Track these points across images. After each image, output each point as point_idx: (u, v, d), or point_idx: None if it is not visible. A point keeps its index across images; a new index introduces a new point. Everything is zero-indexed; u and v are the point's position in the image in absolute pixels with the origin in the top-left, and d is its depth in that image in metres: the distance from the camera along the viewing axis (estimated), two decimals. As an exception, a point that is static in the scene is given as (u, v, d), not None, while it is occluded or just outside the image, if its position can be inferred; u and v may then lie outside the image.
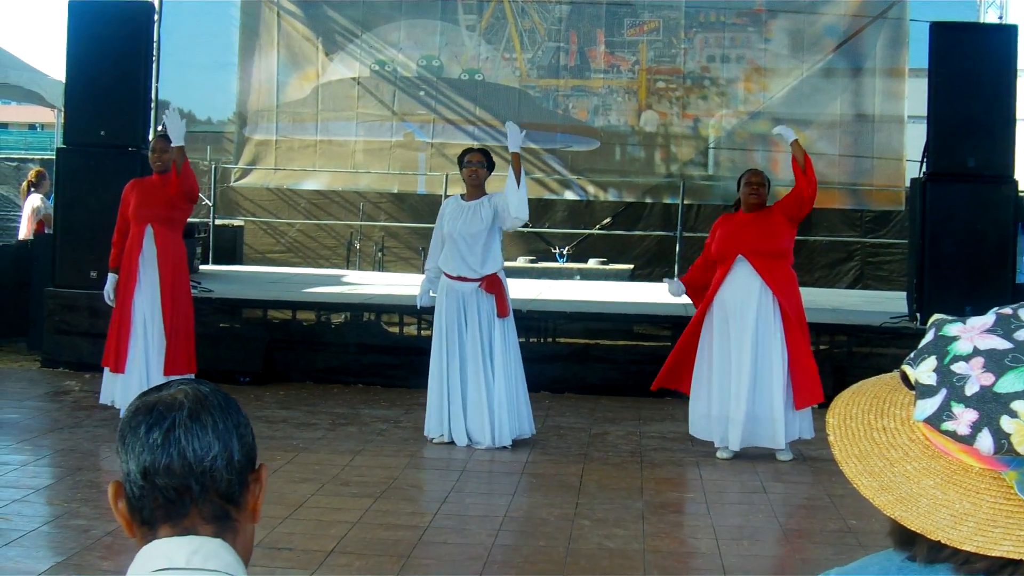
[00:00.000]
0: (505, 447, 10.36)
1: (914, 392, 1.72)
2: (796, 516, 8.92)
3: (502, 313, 10.48)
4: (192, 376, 10.06)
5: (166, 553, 2.11)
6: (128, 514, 2.17)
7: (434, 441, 10.50)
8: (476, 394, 10.38)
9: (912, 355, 1.73)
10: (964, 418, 1.64)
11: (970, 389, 1.64)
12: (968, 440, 1.64)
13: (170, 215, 11.00)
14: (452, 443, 10.44)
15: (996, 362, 1.64)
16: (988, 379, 1.63)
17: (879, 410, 1.78)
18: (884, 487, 1.69)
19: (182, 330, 11.14)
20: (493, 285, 10.45)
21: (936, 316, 1.77)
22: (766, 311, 9.98)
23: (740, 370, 9.97)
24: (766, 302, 9.98)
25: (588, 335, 13.54)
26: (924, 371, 1.69)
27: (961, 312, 1.80)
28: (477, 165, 10.54)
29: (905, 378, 1.74)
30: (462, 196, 10.75)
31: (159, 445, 2.13)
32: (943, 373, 1.67)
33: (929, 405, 1.67)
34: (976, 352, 1.66)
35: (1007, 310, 1.71)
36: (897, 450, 1.72)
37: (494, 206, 10.40)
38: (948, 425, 1.65)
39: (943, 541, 1.64)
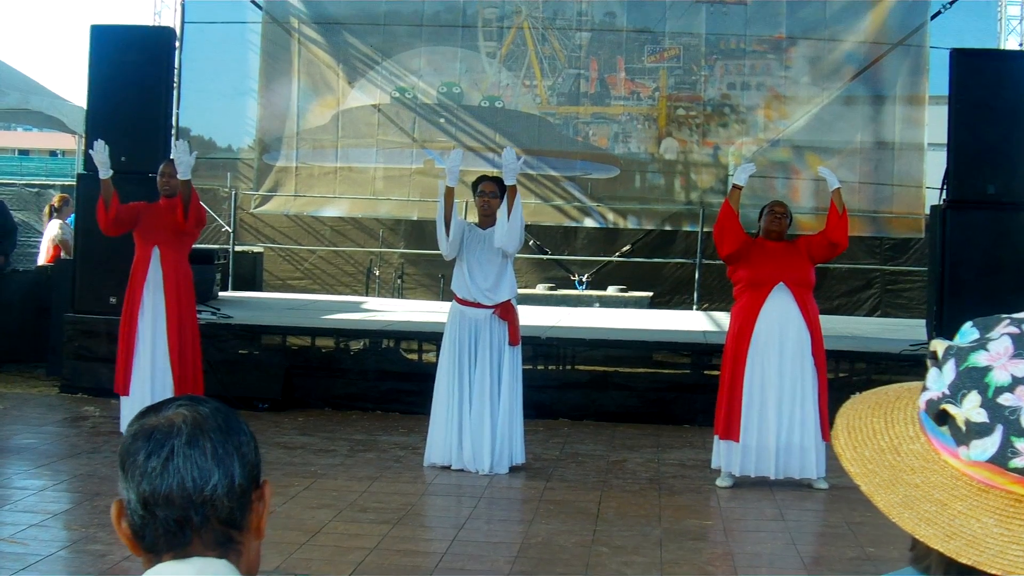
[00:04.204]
0: (501, 473, 10.38)
1: (954, 431, 1.63)
2: (814, 544, 8.88)
3: (513, 341, 10.48)
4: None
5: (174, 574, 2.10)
6: (131, 536, 2.15)
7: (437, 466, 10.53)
8: (479, 420, 10.40)
9: (947, 392, 1.64)
10: None
11: None
12: None
13: (177, 238, 11.13)
14: (447, 468, 10.46)
15: None
16: None
17: (892, 448, 1.71)
18: (949, 534, 1.61)
19: (189, 354, 11.19)
20: (507, 312, 10.46)
21: (941, 344, 1.70)
22: (802, 340, 10.00)
23: (776, 397, 9.96)
24: (802, 332, 10.00)
25: (607, 362, 13.51)
26: (971, 409, 1.60)
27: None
28: (490, 196, 10.53)
29: (940, 417, 1.65)
30: (476, 224, 10.77)
31: (158, 474, 2.10)
32: (992, 408, 1.59)
33: (989, 444, 1.59)
34: (1016, 380, 1.59)
35: (1013, 328, 1.64)
36: (941, 490, 1.64)
37: None
38: (1016, 462, 1.58)
39: None
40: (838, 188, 10.30)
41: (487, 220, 10.59)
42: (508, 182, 10.28)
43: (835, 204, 10.18)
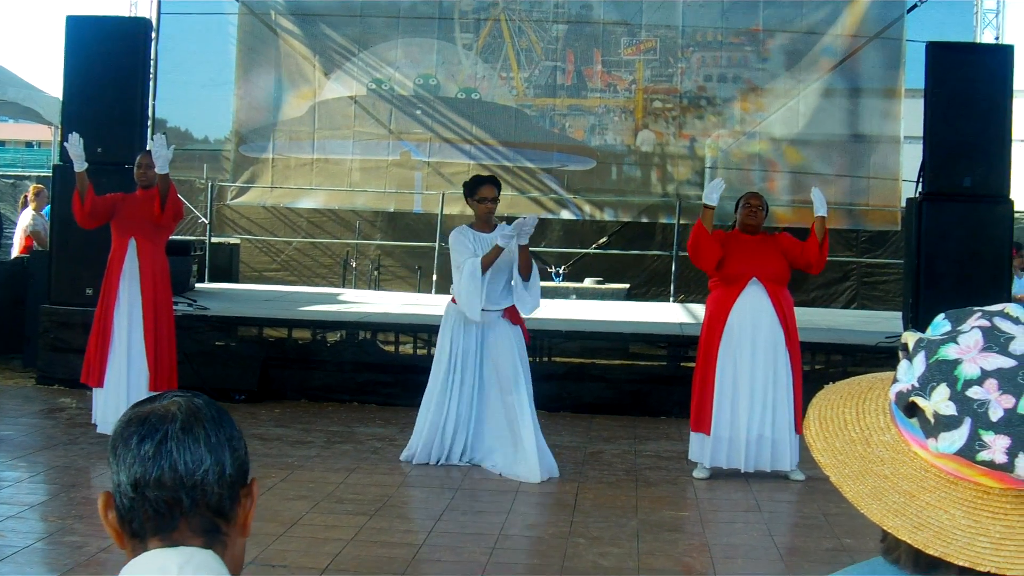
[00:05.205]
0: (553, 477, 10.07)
1: (923, 423, 1.65)
2: (790, 534, 8.90)
3: (527, 340, 10.33)
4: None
5: (158, 564, 2.09)
6: (118, 526, 2.16)
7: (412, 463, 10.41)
8: (527, 427, 9.95)
9: (916, 385, 1.65)
10: (997, 445, 1.58)
11: (994, 414, 1.58)
12: (1007, 468, 1.59)
13: (153, 229, 11.05)
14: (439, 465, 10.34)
15: (1009, 382, 1.59)
16: (1009, 401, 1.58)
17: (863, 439, 1.72)
18: (917, 525, 1.63)
19: (165, 346, 11.15)
20: (516, 316, 10.25)
21: (912, 336, 1.71)
22: (775, 334, 10.00)
23: (748, 391, 9.96)
24: (775, 326, 10.00)
25: (584, 354, 13.51)
26: (940, 401, 1.62)
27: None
28: (492, 202, 10.30)
29: (910, 409, 1.66)
30: (471, 226, 10.40)
31: (150, 457, 2.12)
32: (961, 401, 1.61)
33: (957, 437, 1.61)
34: (985, 374, 1.60)
35: (984, 321, 1.66)
36: (910, 481, 1.66)
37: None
38: (984, 455, 1.59)
39: (992, 570, 1.58)
40: (823, 216, 10.13)
41: (486, 226, 10.34)
42: (522, 242, 10.14)
43: (815, 232, 10.09)
